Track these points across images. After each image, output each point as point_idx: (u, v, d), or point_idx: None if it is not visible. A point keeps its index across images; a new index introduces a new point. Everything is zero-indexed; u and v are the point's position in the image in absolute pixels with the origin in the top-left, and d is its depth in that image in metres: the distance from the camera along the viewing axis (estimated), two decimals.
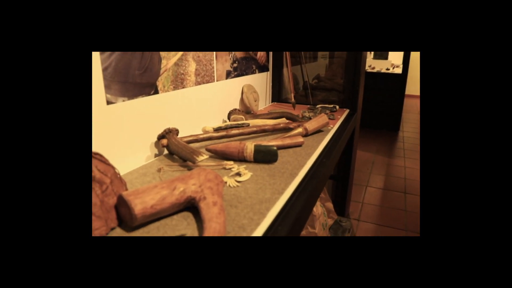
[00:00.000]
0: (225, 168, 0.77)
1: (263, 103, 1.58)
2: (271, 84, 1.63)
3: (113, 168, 0.56)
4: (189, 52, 0.95)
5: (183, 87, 0.95)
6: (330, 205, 1.32)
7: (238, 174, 0.74)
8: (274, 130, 1.05)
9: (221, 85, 1.17)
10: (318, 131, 1.10)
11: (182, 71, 0.94)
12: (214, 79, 1.11)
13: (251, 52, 1.36)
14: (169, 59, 0.88)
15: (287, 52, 1.48)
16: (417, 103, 5.77)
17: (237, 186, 0.68)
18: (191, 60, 0.97)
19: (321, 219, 1.05)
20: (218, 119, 1.19)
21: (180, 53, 0.92)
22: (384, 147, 3.36)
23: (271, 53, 1.58)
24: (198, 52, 0.99)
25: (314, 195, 0.75)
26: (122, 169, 0.77)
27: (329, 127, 1.17)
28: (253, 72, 1.40)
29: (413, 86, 5.94)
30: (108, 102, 0.70)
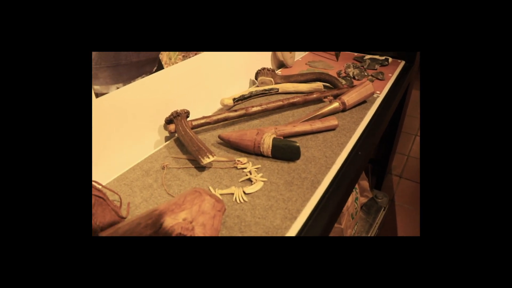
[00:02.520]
0: (236, 168, 0.66)
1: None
2: None
3: (96, 194, 0.48)
4: None
5: (195, 54, 0.80)
6: (365, 184, 1.19)
7: (250, 180, 0.63)
8: (305, 103, 0.89)
9: None
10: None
11: None
12: None
13: None
14: None
15: None
16: None
17: (245, 202, 0.58)
18: None
19: (350, 209, 0.94)
20: (244, 81, 1.03)
21: None
22: None
23: None
24: None
25: (338, 209, 0.63)
26: (126, 163, 0.70)
27: (376, 95, 0.97)
28: None
29: None
30: (98, 95, 0.59)
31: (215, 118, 0.76)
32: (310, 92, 0.94)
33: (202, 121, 0.75)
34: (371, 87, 0.90)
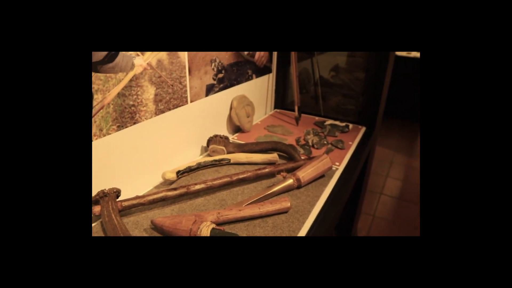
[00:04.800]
0: None
1: (263, 112, 1.32)
2: (274, 88, 1.35)
3: None
4: (144, 75, 0.70)
5: (134, 123, 0.71)
6: None
7: None
8: (256, 178, 0.81)
9: (198, 106, 0.92)
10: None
11: (132, 102, 0.69)
12: (187, 101, 0.86)
13: (245, 54, 1.08)
14: (107, 91, 0.63)
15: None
16: None
17: None
18: (147, 84, 0.72)
19: None
20: (195, 149, 0.95)
21: (127, 79, 0.67)
22: (406, 142, 3.03)
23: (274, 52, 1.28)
24: (159, 71, 0.74)
25: None
26: None
27: (335, 167, 0.92)
28: (248, 79, 1.13)
29: None
30: None
31: (150, 198, 0.66)
32: (264, 165, 0.88)
33: (135, 201, 0.65)
34: (328, 161, 0.84)
